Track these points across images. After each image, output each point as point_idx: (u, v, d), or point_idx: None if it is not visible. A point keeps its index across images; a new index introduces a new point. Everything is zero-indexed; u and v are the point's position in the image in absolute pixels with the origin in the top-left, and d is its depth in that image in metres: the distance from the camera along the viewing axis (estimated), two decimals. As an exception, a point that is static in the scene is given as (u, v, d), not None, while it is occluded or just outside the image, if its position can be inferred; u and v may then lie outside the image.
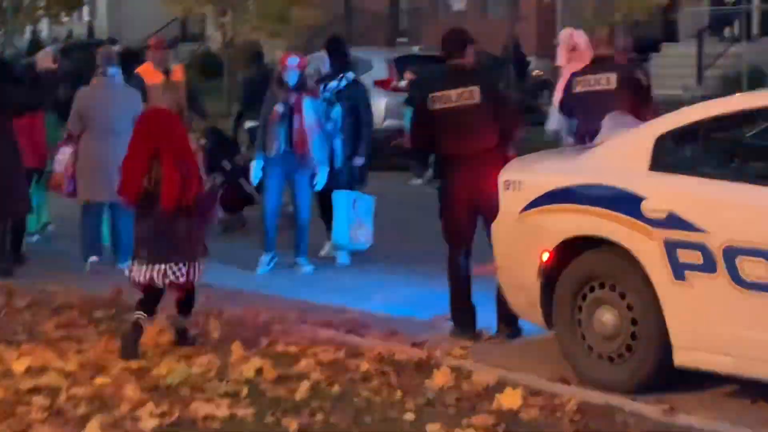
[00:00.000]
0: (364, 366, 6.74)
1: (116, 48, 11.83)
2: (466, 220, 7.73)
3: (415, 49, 19.42)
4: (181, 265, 7.09)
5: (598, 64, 9.32)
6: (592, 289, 6.66)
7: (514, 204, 7.08)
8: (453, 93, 7.71)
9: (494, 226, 7.30)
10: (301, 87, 10.11)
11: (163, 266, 7.05)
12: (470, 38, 7.87)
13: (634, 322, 6.46)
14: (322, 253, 10.88)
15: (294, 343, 7.29)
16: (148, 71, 12.19)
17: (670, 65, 23.95)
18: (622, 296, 6.51)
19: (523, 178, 7.07)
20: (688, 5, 26.02)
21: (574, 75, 9.09)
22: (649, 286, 6.33)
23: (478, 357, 7.19)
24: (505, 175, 7.20)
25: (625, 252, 6.43)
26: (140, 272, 7.11)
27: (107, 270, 9.91)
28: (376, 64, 18.02)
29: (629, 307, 6.48)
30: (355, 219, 10.39)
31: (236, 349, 7.08)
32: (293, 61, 10.21)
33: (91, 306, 8.48)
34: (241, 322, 7.98)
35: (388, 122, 17.32)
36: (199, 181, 7.29)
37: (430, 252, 10.35)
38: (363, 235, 10.47)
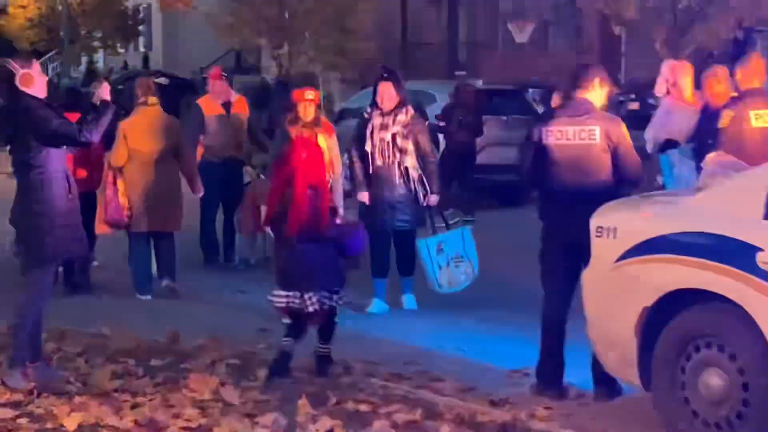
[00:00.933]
0: (445, 429, 6.16)
1: (163, 80, 11.58)
2: (565, 266, 7.11)
3: (479, 83, 18.94)
4: (311, 294, 7.28)
5: (756, 97, 8.04)
6: (697, 349, 6.05)
7: (607, 252, 6.49)
8: (570, 129, 7.14)
9: (585, 275, 6.71)
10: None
11: (297, 293, 7.31)
12: (602, 75, 7.26)
13: (745, 387, 5.83)
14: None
15: (364, 401, 6.72)
16: (207, 102, 11.80)
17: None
18: (732, 358, 5.88)
19: (618, 224, 6.48)
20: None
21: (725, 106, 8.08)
22: (764, 348, 5.70)
23: (564, 420, 6.59)
24: (598, 220, 6.61)
25: (737, 309, 5.81)
26: (278, 298, 7.41)
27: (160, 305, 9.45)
28: (440, 98, 17.50)
29: (740, 371, 5.85)
30: (445, 261, 9.76)
31: (303, 406, 6.53)
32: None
33: (147, 353, 7.97)
34: (303, 375, 7.44)
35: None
36: (331, 212, 7.59)
37: (505, 294, 9.98)
38: (463, 272, 9.85)
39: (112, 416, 6.37)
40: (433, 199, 9.75)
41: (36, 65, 7.38)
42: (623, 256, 6.37)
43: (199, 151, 11.65)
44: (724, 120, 7.72)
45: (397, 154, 9.65)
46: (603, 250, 6.53)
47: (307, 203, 7.29)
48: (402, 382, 7.42)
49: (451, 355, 8.31)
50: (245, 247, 12.03)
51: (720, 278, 5.86)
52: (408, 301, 9.90)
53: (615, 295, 6.44)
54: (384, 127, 9.61)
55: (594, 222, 6.61)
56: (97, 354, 7.97)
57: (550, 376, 7.17)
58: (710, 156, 6.95)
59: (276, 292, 7.43)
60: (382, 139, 9.59)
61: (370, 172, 9.66)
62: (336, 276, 7.45)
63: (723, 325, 5.93)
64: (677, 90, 8.84)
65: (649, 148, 8.65)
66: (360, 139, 9.73)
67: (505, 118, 17.27)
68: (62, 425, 6.27)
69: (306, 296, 7.28)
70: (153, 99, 10.54)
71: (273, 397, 6.85)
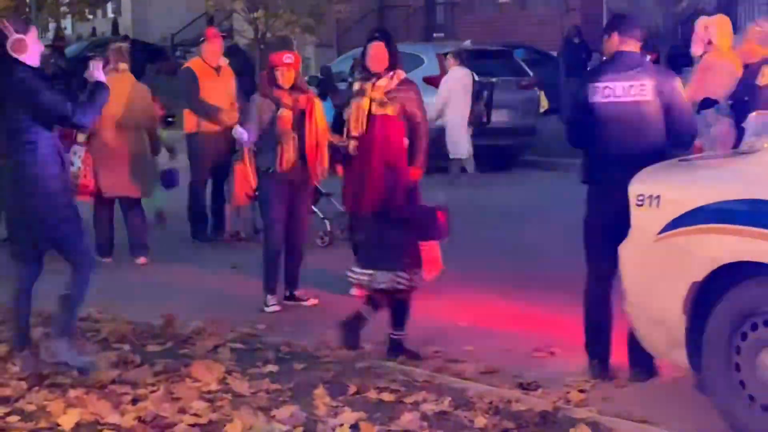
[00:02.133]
0: (480, 421, 5.62)
1: (127, 45, 11.04)
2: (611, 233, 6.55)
3: (467, 43, 18.29)
4: (378, 272, 7.04)
5: None
6: (755, 327, 5.52)
7: (650, 223, 5.94)
8: (619, 85, 6.56)
9: (624, 248, 6.16)
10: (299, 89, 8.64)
11: (366, 271, 7.10)
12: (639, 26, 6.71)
13: (811, 369, 5.32)
14: None
15: (386, 388, 6.16)
16: (200, 65, 11.13)
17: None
18: (796, 337, 5.37)
19: (661, 192, 5.92)
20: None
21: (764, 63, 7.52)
22: (832, 326, 5.19)
23: (604, 405, 6.07)
24: (638, 187, 6.06)
25: (802, 284, 5.29)
26: (352, 274, 7.24)
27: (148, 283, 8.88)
28: (427, 59, 16.89)
29: (805, 351, 5.34)
30: None
31: (321, 396, 5.99)
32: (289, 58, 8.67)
33: (143, 338, 7.40)
34: (313, 359, 6.88)
35: (441, 121, 16.13)
36: (408, 191, 7.35)
37: (521, 264, 9.47)
38: None
39: (112, 412, 5.79)
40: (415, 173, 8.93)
41: (33, 32, 6.71)
42: (668, 227, 5.82)
43: (191, 118, 11.03)
44: (764, 77, 7.18)
45: None
46: (645, 220, 5.98)
47: (383, 180, 7.11)
48: (421, 365, 6.89)
49: (468, 333, 7.77)
50: (234, 220, 11.45)
51: (783, 250, 5.33)
52: None
53: (659, 269, 5.90)
54: (360, 92, 8.56)
55: (633, 190, 6.06)
56: (90, 340, 7.39)
57: (604, 354, 6.63)
58: (752, 115, 6.40)
59: (351, 268, 7.30)
60: (358, 107, 8.57)
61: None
62: (403, 257, 7.06)
63: (784, 302, 5.41)
64: (713, 47, 8.26)
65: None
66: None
67: (495, 79, 16.70)
68: (58, 424, 5.68)
69: (375, 274, 7.04)
70: (124, 65, 10.35)
71: (285, 385, 6.29)
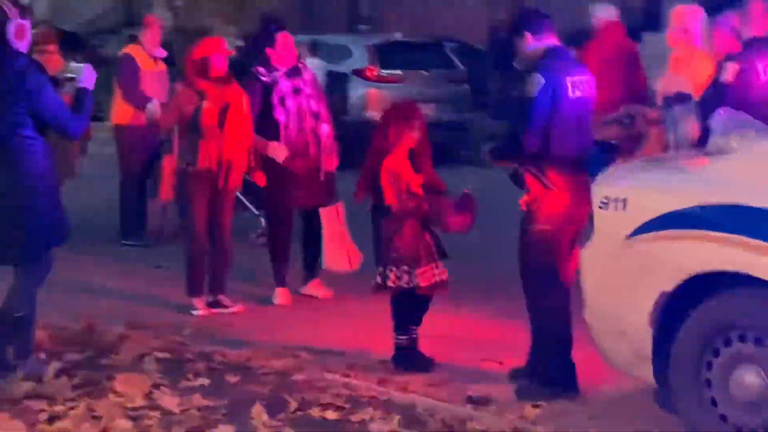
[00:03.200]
0: (434, 443, 5.17)
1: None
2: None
3: (397, 35, 17.86)
4: (392, 267, 6.66)
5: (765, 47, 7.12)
6: (728, 342, 5.14)
7: (616, 227, 5.52)
8: (582, 80, 6.15)
9: (586, 253, 5.75)
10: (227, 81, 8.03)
11: (382, 269, 6.71)
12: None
13: (789, 387, 4.95)
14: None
15: (331, 405, 5.69)
16: (139, 53, 10.44)
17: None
18: (774, 353, 4.99)
19: (629, 195, 5.51)
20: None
21: (729, 58, 7.16)
22: (817, 342, 4.83)
23: (561, 421, 5.66)
24: (603, 189, 5.65)
25: (783, 296, 4.91)
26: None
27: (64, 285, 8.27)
28: (356, 52, 16.39)
29: (784, 368, 4.97)
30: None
31: (259, 415, 5.49)
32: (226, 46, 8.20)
33: (61, 346, 6.80)
34: (247, 371, 6.37)
35: (370, 115, 15.68)
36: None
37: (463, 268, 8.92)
38: None
39: (27, 434, 5.24)
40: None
41: (29, 19, 6.13)
42: (636, 232, 5.41)
43: (125, 109, 10.41)
44: (729, 73, 6.81)
45: (312, 121, 8.30)
46: (609, 224, 5.57)
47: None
48: (363, 377, 6.42)
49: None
50: (157, 217, 10.84)
51: (762, 260, 4.95)
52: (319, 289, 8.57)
53: (625, 277, 5.49)
54: (297, 90, 8.21)
55: (598, 191, 5.65)
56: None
57: (568, 377, 6.18)
58: (718, 113, 6.02)
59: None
60: (299, 106, 8.19)
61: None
62: (383, 252, 6.73)
63: (762, 316, 5.02)
64: (689, 36, 7.88)
65: (658, 101, 7.69)
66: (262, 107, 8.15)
67: (426, 72, 16.30)
68: (-34, 448, 5.12)
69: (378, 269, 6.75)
70: (53, 47, 9.94)
71: (219, 402, 5.78)
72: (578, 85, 6.12)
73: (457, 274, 8.98)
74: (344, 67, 15.95)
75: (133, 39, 10.89)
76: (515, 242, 6.46)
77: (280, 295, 8.34)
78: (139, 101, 10.20)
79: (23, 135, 5.97)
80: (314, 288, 8.47)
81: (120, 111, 10.48)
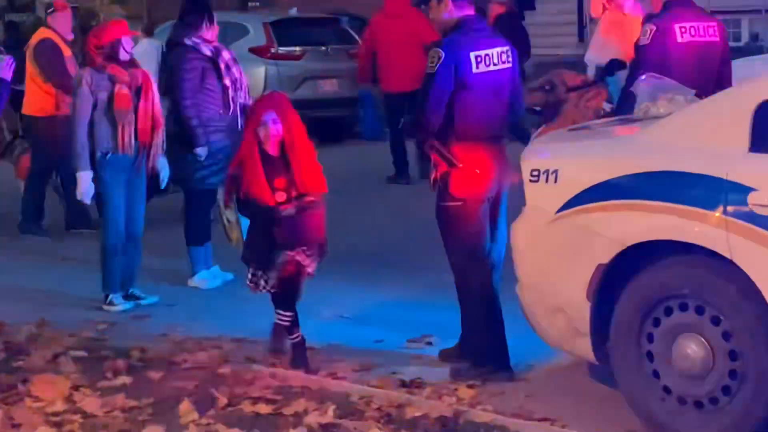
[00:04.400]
0: (375, 432, 4.99)
1: None
2: (486, 219, 5.99)
3: (293, 11, 17.53)
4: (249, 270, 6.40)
5: (694, 8, 7.16)
6: (668, 312, 5.04)
7: (547, 201, 5.40)
8: (494, 52, 5.95)
9: (517, 228, 5.61)
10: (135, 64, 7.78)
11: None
12: None
13: (733, 355, 4.87)
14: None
15: (262, 398, 5.47)
16: (56, 39, 9.98)
17: (546, 23, 22.60)
18: (716, 321, 4.90)
19: (559, 166, 5.38)
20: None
21: (646, 20, 7.00)
22: (758, 308, 4.74)
23: (499, 402, 5.52)
24: (531, 161, 5.51)
25: (722, 263, 4.82)
26: None
27: None
28: (252, 29, 16.05)
29: (726, 336, 4.88)
30: None
31: (187, 413, 5.25)
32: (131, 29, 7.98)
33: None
34: (170, 366, 6.11)
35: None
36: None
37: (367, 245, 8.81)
38: None
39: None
40: None
41: None
42: (568, 204, 5.29)
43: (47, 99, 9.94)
44: (645, 35, 6.72)
45: (242, 95, 8.15)
46: (541, 197, 5.44)
47: None
48: (290, 365, 6.19)
49: (333, 326, 7.11)
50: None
51: (699, 227, 4.85)
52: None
53: (559, 251, 5.37)
54: (236, 60, 8.17)
55: (527, 164, 5.51)
56: None
57: (499, 356, 6.03)
58: (641, 78, 5.93)
59: None
60: (240, 75, 8.12)
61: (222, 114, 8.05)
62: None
63: (702, 283, 4.93)
64: (614, 4, 7.77)
65: (591, 72, 7.57)
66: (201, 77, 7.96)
67: (325, 48, 16.05)
68: None
69: None
70: None
71: (144, 401, 5.51)
72: (486, 59, 5.93)
73: (379, 252, 8.92)
74: (240, 46, 15.62)
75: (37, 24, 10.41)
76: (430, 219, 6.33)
77: (197, 279, 8.12)
78: (68, 87, 9.71)
79: None
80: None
81: (36, 101, 10.00)
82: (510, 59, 6.05)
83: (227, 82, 8.01)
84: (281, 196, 6.12)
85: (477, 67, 5.87)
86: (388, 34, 12.52)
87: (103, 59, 7.47)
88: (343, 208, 11.04)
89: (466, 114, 5.87)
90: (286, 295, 6.27)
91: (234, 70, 8.07)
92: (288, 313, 6.26)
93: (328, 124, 16.04)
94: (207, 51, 8.04)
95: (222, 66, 8.01)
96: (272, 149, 6.14)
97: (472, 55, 5.87)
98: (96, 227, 9.09)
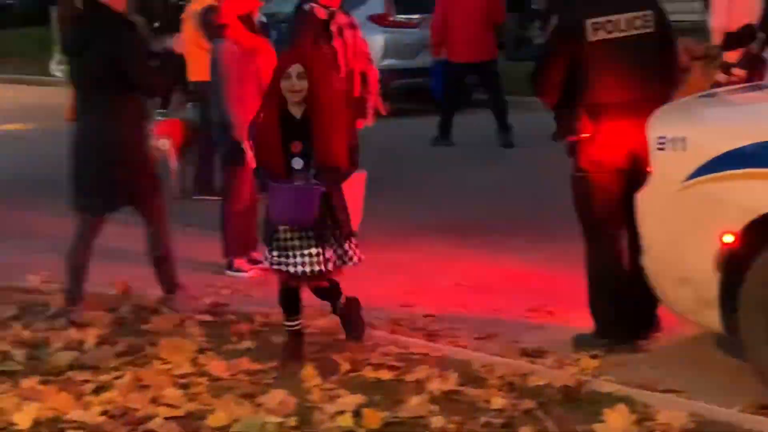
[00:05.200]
0: (497, 401, 4.96)
1: None
2: (619, 191, 5.89)
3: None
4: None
5: None
6: (803, 285, 4.92)
7: (674, 168, 5.28)
8: (622, 18, 5.83)
9: (643, 198, 5.51)
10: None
11: None
12: None
13: None
14: None
15: (384, 365, 5.49)
16: None
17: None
18: None
19: (687, 133, 5.27)
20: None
21: None
22: None
23: (622, 372, 5.44)
24: (658, 128, 5.40)
25: None
26: None
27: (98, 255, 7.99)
28: (372, -4, 16.02)
29: None
30: None
31: (311, 377, 5.29)
32: None
33: (100, 315, 6.58)
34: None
35: (387, 62, 15.38)
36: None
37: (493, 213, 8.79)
38: None
39: (75, 406, 5.05)
40: None
41: None
42: (697, 173, 5.18)
43: None
44: None
45: (361, 63, 8.20)
46: (668, 165, 5.33)
47: None
48: (411, 332, 6.22)
49: (454, 293, 7.09)
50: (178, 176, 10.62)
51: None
52: None
53: (687, 221, 5.26)
54: (353, 26, 8.16)
55: (654, 131, 5.40)
56: (38, 315, 6.61)
57: (625, 323, 5.94)
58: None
59: None
60: (354, 40, 8.11)
61: None
62: None
63: (837, 254, 4.80)
64: None
65: (717, 39, 7.36)
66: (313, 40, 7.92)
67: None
68: (12, 423, 4.92)
69: None
70: None
71: (267, 365, 5.58)
72: (607, 25, 5.79)
73: (500, 219, 8.86)
74: (361, 14, 15.61)
75: None
76: (558, 187, 6.25)
77: None
78: None
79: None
80: None
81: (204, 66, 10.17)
82: (648, 24, 5.86)
83: (336, 45, 7.98)
84: (298, 163, 5.51)
85: (596, 34, 5.75)
86: (458, 7, 12.98)
87: (243, 31, 7.50)
88: (463, 175, 11.05)
89: (590, 82, 5.78)
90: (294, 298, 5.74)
91: (347, 34, 8.06)
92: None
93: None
94: (322, 14, 8.08)
95: (334, 29, 8.01)
96: (294, 108, 5.52)
97: (589, 22, 5.75)
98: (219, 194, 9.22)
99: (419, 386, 5.17)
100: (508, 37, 19.42)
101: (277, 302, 5.76)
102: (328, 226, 5.51)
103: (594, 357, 5.69)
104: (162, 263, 6.72)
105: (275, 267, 5.56)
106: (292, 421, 4.78)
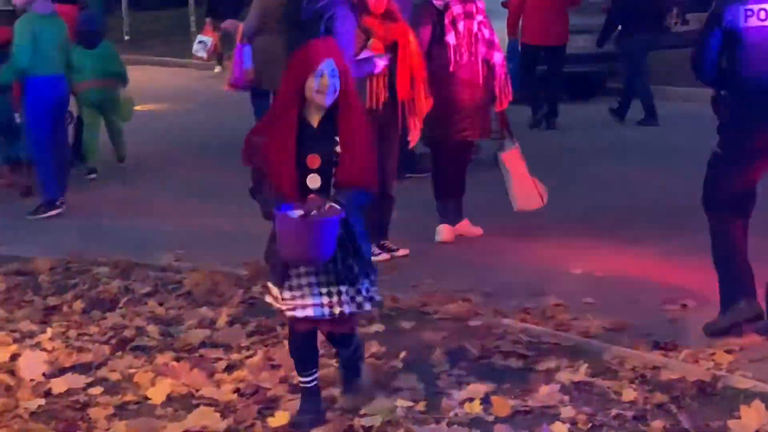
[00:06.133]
0: (629, 393, 4.89)
1: None
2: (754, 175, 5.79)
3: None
4: None
5: None
6: None
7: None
8: None
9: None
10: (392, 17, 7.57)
11: None
12: None
13: None
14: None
15: (513, 353, 5.46)
16: None
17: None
18: None
19: None
20: None
21: None
22: None
23: (760, 370, 5.30)
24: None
25: None
26: None
27: (223, 237, 8.12)
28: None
29: None
30: None
31: (439, 363, 5.31)
32: None
33: (228, 290, 6.69)
34: (422, 317, 6.16)
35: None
36: None
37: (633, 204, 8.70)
38: None
39: (207, 383, 5.14)
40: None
41: None
42: None
43: None
44: None
45: (482, 49, 8.04)
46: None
47: None
48: (541, 321, 6.16)
49: (584, 282, 7.01)
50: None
51: None
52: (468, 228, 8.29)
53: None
54: (468, 15, 7.96)
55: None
56: (171, 293, 6.75)
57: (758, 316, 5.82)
58: None
59: None
60: (469, 30, 7.96)
61: (450, 70, 7.90)
62: None
63: None
64: None
65: None
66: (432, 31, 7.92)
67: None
68: (147, 397, 5.04)
69: None
70: None
71: (396, 349, 5.59)
72: (760, 13, 5.67)
73: (633, 209, 8.73)
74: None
75: None
76: (694, 177, 6.14)
77: (443, 232, 8.13)
78: None
79: None
80: (463, 228, 8.24)
81: None
82: None
83: (448, 38, 7.87)
84: (314, 181, 4.55)
85: (747, 21, 5.65)
86: None
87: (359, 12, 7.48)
88: (597, 162, 10.91)
89: (739, 67, 5.69)
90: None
91: (460, 25, 7.91)
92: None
93: (580, 80, 15.87)
94: (438, 5, 7.99)
95: (446, 21, 7.92)
96: (312, 114, 4.58)
97: (743, 8, 5.65)
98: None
99: (549, 376, 5.13)
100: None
101: (289, 354, 4.82)
102: (348, 257, 4.60)
103: (729, 352, 5.56)
104: None
105: (289, 312, 4.60)
106: (421, 406, 4.78)
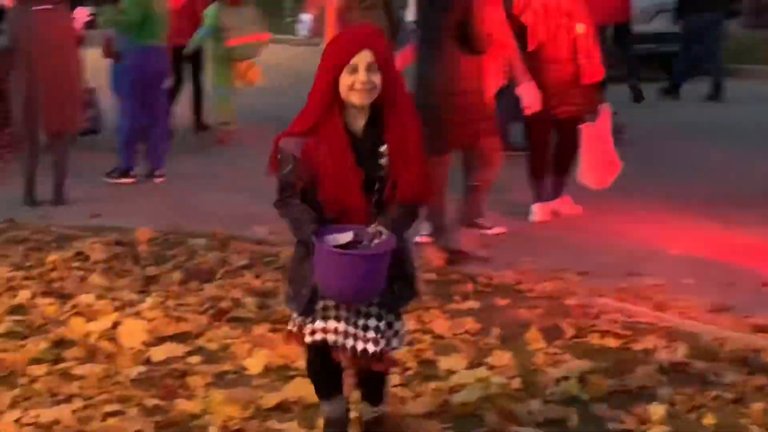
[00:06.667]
0: (728, 375, 4.81)
1: None
2: None
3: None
4: None
5: None
6: None
7: None
8: None
9: None
10: None
11: None
12: None
13: None
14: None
15: (609, 332, 5.41)
16: None
17: None
18: None
19: None
20: None
21: None
22: None
23: None
24: None
25: None
26: None
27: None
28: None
29: None
30: None
31: (535, 340, 5.27)
32: None
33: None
34: (516, 294, 6.14)
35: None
36: None
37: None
38: None
39: (303, 355, 5.16)
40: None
41: None
42: None
43: None
44: None
45: (566, 20, 7.81)
46: None
47: None
48: (638, 301, 6.09)
49: (682, 263, 6.91)
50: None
51: None
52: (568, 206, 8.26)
53: None
54: None
55: None
56: (267, 266, 6.80)
57: None
58: None
59: None
60: (546, 5, 7.74)
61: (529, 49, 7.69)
62: None
63: None
64: None
65: None
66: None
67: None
68: (244, 368, 5.09)
69: None
70: None
71: (490, 326, 5.57)
72: None
73: (735, 193, 8.57)
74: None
75: None
76: None
77: (538, 212, 8.08)
78: None
79: None
80: (563, 205, 8.16)
81: None
82: None
83: (527, 19, 7.74)
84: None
85: None
86: None
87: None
88: (700, 143, 10.76)
89: None
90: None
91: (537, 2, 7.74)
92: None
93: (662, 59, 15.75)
94: None
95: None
96: (355, 118, 3.78)
97: None
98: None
99: (646, 356, 5.08)
100: (745, 5, 18.82)
101: (310, 379, 4.21)
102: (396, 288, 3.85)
103: None
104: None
105: (314, 338, 3.93)
106: (516, 383, 4.76)
